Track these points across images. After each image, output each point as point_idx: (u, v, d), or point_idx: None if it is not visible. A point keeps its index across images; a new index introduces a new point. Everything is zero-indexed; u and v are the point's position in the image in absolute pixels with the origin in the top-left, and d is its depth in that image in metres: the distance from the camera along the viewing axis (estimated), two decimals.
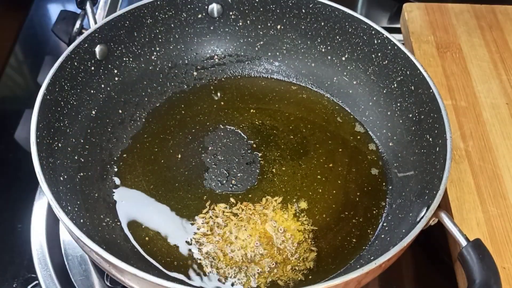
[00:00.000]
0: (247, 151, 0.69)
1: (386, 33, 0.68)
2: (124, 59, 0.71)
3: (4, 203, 0.69)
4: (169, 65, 0.75)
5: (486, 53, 0.78)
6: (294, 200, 0.65)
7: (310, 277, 0.58)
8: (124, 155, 0.68)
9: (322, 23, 0.73)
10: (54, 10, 0.98)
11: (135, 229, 0.61)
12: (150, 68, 0.74)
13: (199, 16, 0.75)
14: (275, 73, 0.78)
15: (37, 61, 0.89)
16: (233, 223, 0.62)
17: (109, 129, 0.69)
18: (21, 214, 0.67)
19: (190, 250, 0.59)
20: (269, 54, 0.78)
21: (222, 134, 0.71)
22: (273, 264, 0.59)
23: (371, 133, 0.72)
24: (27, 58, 0.92)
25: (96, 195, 0.63)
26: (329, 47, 0.75)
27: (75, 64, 0.64)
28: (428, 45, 0.78)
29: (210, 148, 0.69)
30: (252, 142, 0.70)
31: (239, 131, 0.71)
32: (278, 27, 0.76)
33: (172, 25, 0.74)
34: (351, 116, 0.74)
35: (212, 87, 0.76)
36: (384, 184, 0.67)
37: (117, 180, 0.65)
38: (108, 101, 0.69)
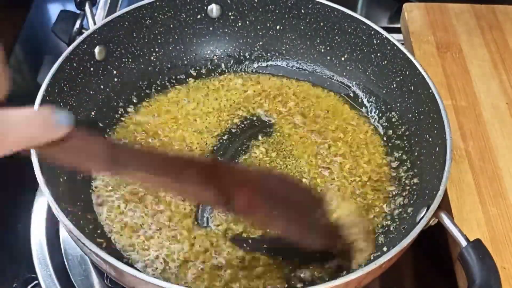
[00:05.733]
0: (247, 151, 0.69)
1: (385, 33, 0.68)
2: (123, 60, 0.71)
3: (4, 203, 0.69)
4: (168, 65, 0.75)
5: (486, 53, 0.78)
6: None
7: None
8: None
9: (322, 24, 0.73)
10: (54, 10, 0.98)
11: (135, 230, 0.61)
12: (149, 68, 0.74)
13: (198, 16, 0.75)
14: (275, 73, 0.78)
15: (37, 61, 0.89)
16: (232, 223, 0.62)
17: (108, 130, 0.69)
18: (21, 214, 0.67)
19: (190, 250, 0.59)
20: (269, 54, 0.78)
21: (222, 134, 0.71)
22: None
23: None
24: (27, 58, 0.92)
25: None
26: (328, 47, 0.75)
27: (74, 65, 0.64)
28: (428, 45, 0.78)
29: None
30: (252, 142, 0.70)
31: (239, 131, 0.71)
32: (278, 27, 0.76)
33: (171, 26, 0.74)
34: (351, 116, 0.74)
35: (211, 88, 0.76)
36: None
37: None
38: (107, 102, 0.69)
